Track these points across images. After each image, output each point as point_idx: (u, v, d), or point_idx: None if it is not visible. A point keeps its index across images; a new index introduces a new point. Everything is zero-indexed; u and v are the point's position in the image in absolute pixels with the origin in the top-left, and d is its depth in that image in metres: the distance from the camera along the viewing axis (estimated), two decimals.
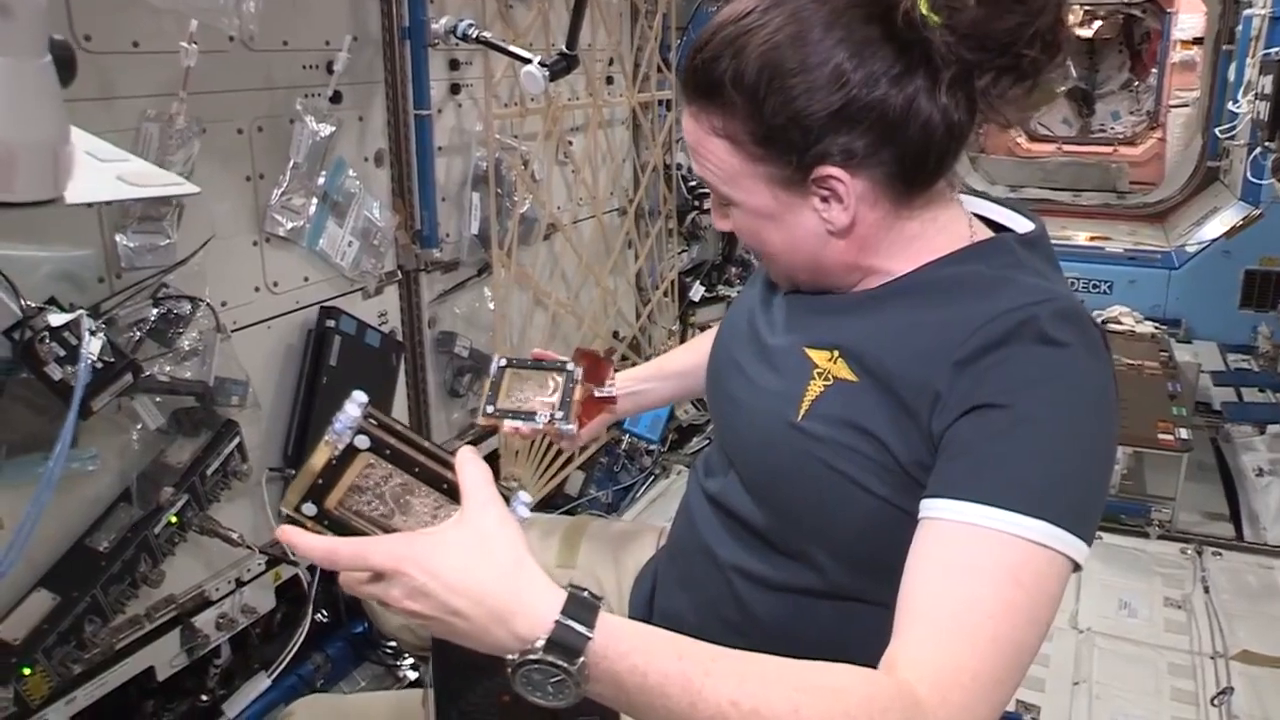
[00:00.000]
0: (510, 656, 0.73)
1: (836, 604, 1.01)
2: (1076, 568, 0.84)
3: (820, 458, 0.95)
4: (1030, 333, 0.88)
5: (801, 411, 0.97)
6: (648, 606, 1.22)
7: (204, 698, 1.72)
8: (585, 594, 0.75)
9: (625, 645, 0.73)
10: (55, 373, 1.09)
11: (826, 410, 0.96)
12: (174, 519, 1.47)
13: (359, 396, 0.77)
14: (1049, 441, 0.86)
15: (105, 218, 1.41)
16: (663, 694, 0.73)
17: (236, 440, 1.57)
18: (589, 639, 0.72)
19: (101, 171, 0.82)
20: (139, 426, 1.44)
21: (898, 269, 1.00)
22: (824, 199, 0.95)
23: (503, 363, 1.28)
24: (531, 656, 0.71)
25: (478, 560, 0.74)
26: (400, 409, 2.11)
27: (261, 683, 1.67)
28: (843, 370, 0.97)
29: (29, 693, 1.33)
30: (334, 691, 1.92)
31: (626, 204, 2.83)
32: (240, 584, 1.67)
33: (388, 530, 0.79)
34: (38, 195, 0.70)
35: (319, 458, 0.77)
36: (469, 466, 0.80)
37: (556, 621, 0.72)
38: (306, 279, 1.80)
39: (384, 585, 0.75)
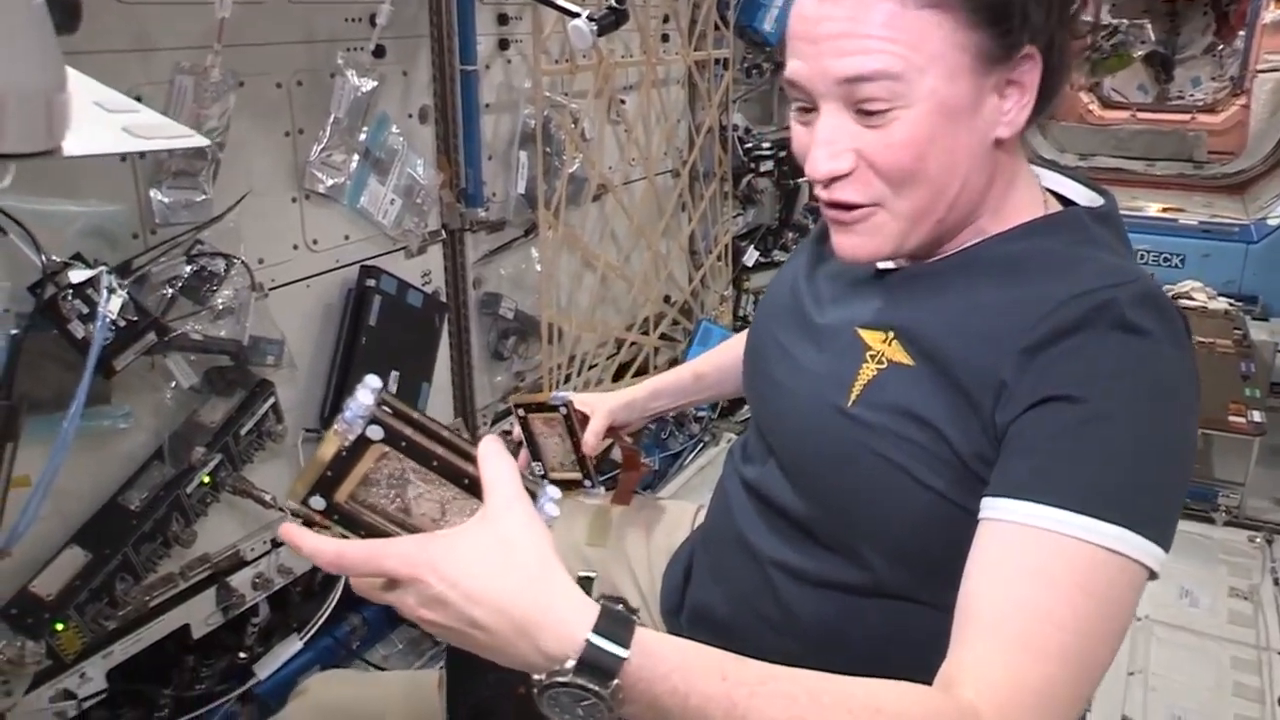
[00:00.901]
0: (536, 677, 0.67)
1: (883, 603, 0.94)
2: (1152, 576, 0.77)
3: (871, 447, 0.88)
4: (1108, 318, 0.81)
5: (852, 397, 0.90)
6: (680, 594, 1.17)
7: (242, 655, 1.72)
8: (619, 607, 0.68)
9: (664, 666, 0.67)
10: (78, 330, 1.07)
11: (879, 396, 0.89)
12: (207, 479, 1.46)
13: (372, 381, 0.70)
14: (1126, 439, 0.78)
15: (140, 172, 1.38)
16: (704, 717, 0.67)
17: (271, 400, 1.55)
18: (624, 659, 0.65)
19: (107, 122, 0.78)
20: (172, 385, 1.42)
21: (989, 226, 0.92)
22: (1009, 86, 0.86)
23: (521, 413, 1.30)
24: (560, 679, 0.65)
25: (500, 567, 0.67)
26: (443, 371, 2.08)
27: (293, 645, 1.66)
28: (898, 353, 0.90)
29: (62, 648, 1.33)
30: (369, 655, 1.91)
31: (680, 165, 2.76)
32: (276, 544, 1.66)
33: (404, 527, 0.73)
34: (29, 146, 0.66)
35: (327, 448, 0.70)
36: (492, 460, 0.72)
37: (588, 641, 0.65)
38: (347, 237, 1.77)
39: (398, 593, 0.69)
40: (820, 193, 0.92)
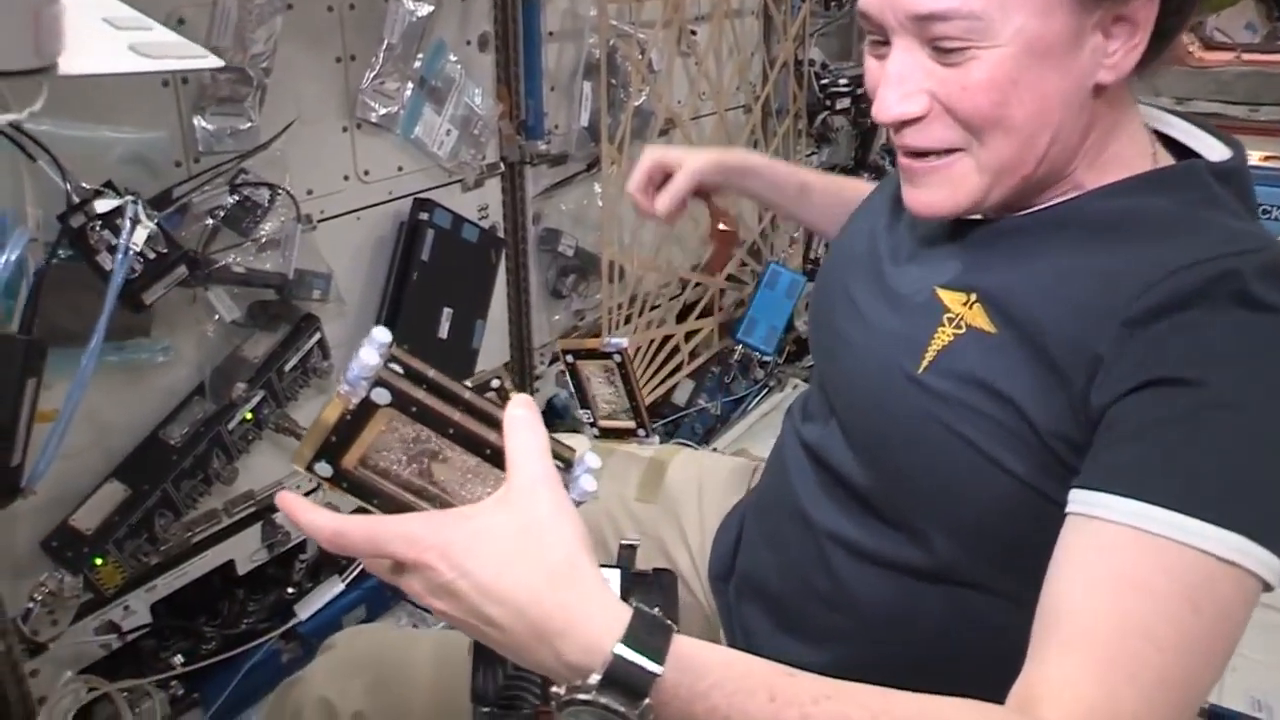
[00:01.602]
0: (555, 690, 0.59)
1: (948, 589, 0.86)
2: (1267, 588, 0.67)
3: (941, 419, 0.80)
4: (1228, 291, 0.70)
5: (924, 363, 0.81)
6: (730, 559, 1.10)
7: (290, 590, 1.71)
8: (655, 613, 0.60)
9: (704, 682, 0.59)
10: (106, 262, 1.03)
11: (954, 364, 0.80)
12: (249, 415, 1.42)
13: (379, 335, 0.62)
14: (1247, 432, 0.68)
15: (183, 98, 1.33)
16: None
17: (317, 336, 1.51)
18: (656, 676, 0.57)
19: (114, 40, 0.72)
20: (215, 319, 1.39)
21: (1086, 179, 0.82)
22: (1117, 23, 0.76)
23: (570, 359, 1.25)
24: (581, 696, 0.57)
25: (519, 559, 0.59)
26: (499, 308, 2.02)
27: (335, 586, 1.64)
28: (979, 318, 0.80)
29: (101, 582, 1.31)
30: (408, 601, 1.89)
31: (752, 101, 2.64)
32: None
33: (424, 495, 0.66)
34: (13, 64, 0.60)
35: (331, 411, 0.62)
36: (518, 431, 0.63)
37: (615, 654, 0.57)
38: (400, 169, 1.71)
39: (405, 576, 0.61)
40: (893, 138, 0.83)
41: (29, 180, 1.04)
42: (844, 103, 2.94)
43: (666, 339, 2.43)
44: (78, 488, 1.30)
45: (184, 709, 1.53)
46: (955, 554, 0.84)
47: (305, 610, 1.60)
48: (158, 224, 1.07)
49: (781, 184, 1.26)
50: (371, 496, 0.65)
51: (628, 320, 2.29)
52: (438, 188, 1.80)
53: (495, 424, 0.65)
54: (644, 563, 1.22)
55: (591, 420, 1.33)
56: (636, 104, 2.16)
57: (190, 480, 1.37)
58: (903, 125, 0.80)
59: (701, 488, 1.25)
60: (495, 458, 0.65)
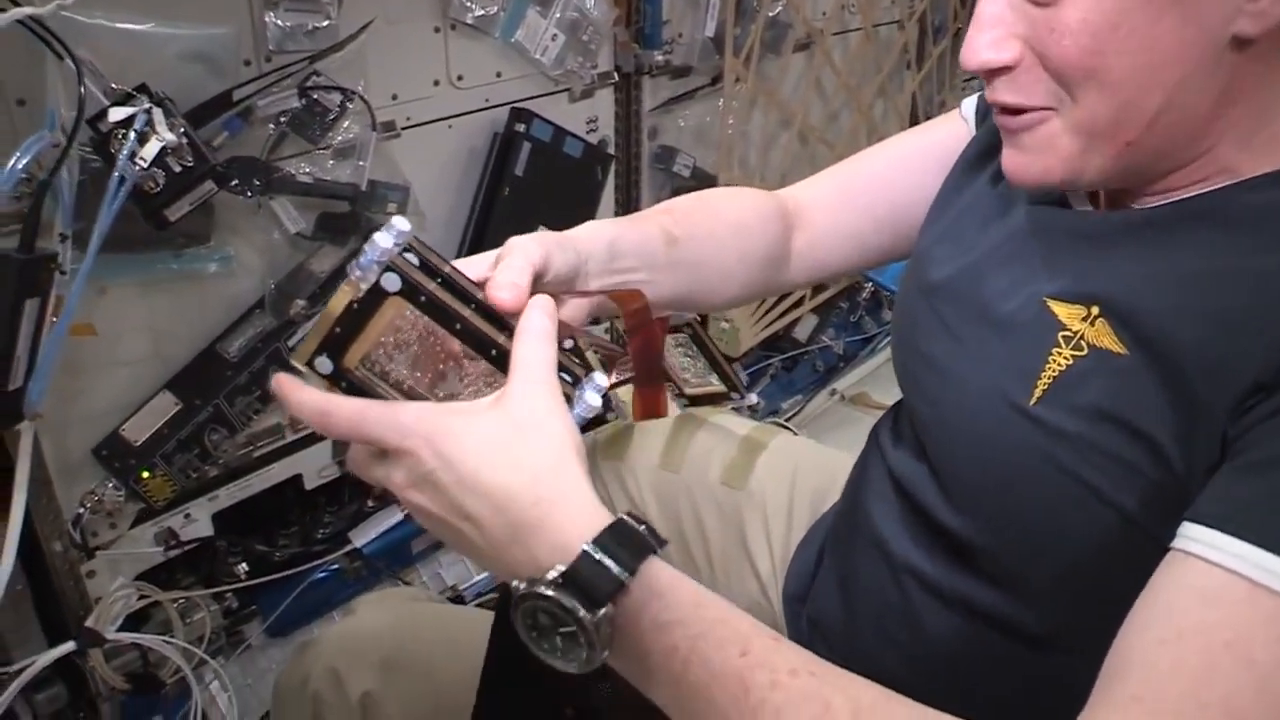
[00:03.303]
0: (516, 583, 0.55)
1: (1040, 654, 0.73)
2: None
3: (1060, 462, 0.66)
4: None
5: (1037, 393, 0.67)
6: (809, 580, 0.97)
7: (371, 503, 1.67)
8: (642, 527, 0.55)
9: (669, 613, 0.54)
10: (128, 173, 0.95)
11: (1076, 395, 0.66)
12: None
13: (399, 223, 0.61)
14: None
15: None
16: (706, 697, 0.53)
17: None
18: (622, 583, 0.53)
19: None
20: (280, 230, 1.31)
21: (1240, 164, 0.65)
22: None
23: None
24: (539, 589, 0.53)
25: (506, 455, 0.56)
26: None
27: (393, 515, 1.58)
28: (1104, 337, 0.66)
29: (150, 494, 1.28)
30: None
31: (906, 17, 2.39)
32: None
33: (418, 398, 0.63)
34: None
35: (338, 300, 0.61)
36: (528, 336, 0.61)
37: (584, 551, 0.53)
38: (499, 74, 1.59)
39: (386, 466, 0.59)
40: (985, 90, 0.67)
41: (61, 81, 0.96)
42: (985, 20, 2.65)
43: None
44: (133, 397, 1.26)
45: (241, 621, 1.52)
46: (1057, 610, 0.71)
47: (360, 538, 1.56)
48: (184, 133, 0.98)
49: (651, 251, 0.84)
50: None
51: None
52: (541, 96, 1.66)
53: (507, 329, 0.63)
54: (720, 559, 1.12)
55: (678, 392, 1.21)
56: (772, 14, 1.97)
57: (245, 396, 1.32)
58: (993, 76, 0.67)
59: (796, 480, 1.11)
60: (501, 360, 0.63)
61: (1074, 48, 0.62)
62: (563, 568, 0.53)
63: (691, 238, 0.87)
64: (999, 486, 0.70)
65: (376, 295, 0.61)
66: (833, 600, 0.90)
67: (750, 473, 1.13)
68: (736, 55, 1.89)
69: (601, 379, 0.65)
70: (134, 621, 1.37)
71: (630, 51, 1.79)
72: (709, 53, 1.92)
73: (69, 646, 1.25)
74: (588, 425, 0.65)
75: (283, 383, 0.61)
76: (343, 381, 0.63)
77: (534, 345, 0.61)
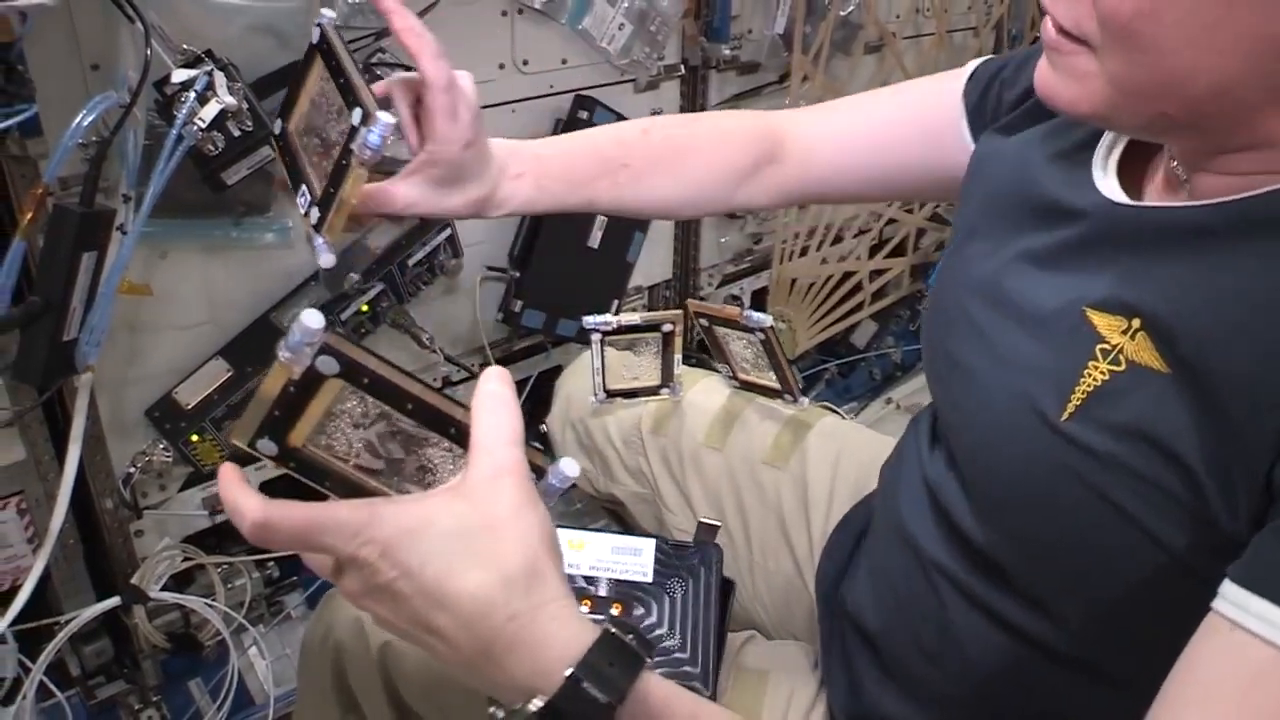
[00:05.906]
0: (494, 711, 0.51)
1: (1069, 674, 0.70)
2: None
3: (1088, 482, 0.62)
4: None
5: (1069, 408, 0.63)
6: (844, 564, 0.94)
7: None
8: (630, 636, 0.51)
9: None
10: (188, 135, 0.97)
11: (1111, 412, 0.61)
12: (365, 307, 1.37)
13: (311, 317, 0.52)
14: None
15: None
16: None
17: (447, 232, 1.43)
18: (612, 711, 0.48)
19: None
20: None
21: None
22: None
23: (704, 322, 1.15)
24: None
25: (473, 557, 0.50)
26: (665, 223, 1.89)
27: None
28: (1144, 353, 0.60)
29: (199, 458, 1.31)
30: None
31: (983, 24, 2.35)
32: (448, 384, 1.58)
33: (380, 478, 0.57)
34: None
35: (273, 382, 0.54)
36: (487, 411, 0.54)
37: (567, 678, 0.49)
38: (564, 61, 1.59)
39: (342, 575, 0.52)
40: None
41: (132, 45, 0.98)
42: None
43: (848, 275, 2.24)
44: (187, 361, 1.28)
45: (282, 591, 1.54)
46: (1087, 633, 0.68)
47: None
48: (245, 97, 0.99)
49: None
50: (323, 478, 0.57)
51: (803, 253, 2.11)
52: (606, 85, 1.66)
53: (461, 405, 0.57)
54: (758, 538, 1.11)
55: (730, 374, 1.20)
56: (844, 14, 1.95)
57: None
58: None
59: (839, 463, 1.09)
60: (461, 438, 0.56)
61: (1125, 7, 0.56)
62: (545, 699, 0.49)
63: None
64: (1026, 503, 0.66)
65: (313, 377, 0.54)
66: (864, 588, 0.88)
67: (794, 453, 1.11)
68: (805, 53, 1.88)
69: (571, 467, 0.58)
70: (178, 583, 1.39)
71: (697, 45, 1.78)
72: (777, 50, 1.90)
73: (114, 601, 1.28)
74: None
75: (225, 475, 0.52)
76: (290, 460, 0.56)
77: (494, 416, 0.54)
